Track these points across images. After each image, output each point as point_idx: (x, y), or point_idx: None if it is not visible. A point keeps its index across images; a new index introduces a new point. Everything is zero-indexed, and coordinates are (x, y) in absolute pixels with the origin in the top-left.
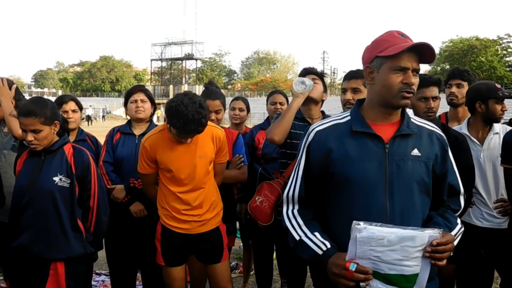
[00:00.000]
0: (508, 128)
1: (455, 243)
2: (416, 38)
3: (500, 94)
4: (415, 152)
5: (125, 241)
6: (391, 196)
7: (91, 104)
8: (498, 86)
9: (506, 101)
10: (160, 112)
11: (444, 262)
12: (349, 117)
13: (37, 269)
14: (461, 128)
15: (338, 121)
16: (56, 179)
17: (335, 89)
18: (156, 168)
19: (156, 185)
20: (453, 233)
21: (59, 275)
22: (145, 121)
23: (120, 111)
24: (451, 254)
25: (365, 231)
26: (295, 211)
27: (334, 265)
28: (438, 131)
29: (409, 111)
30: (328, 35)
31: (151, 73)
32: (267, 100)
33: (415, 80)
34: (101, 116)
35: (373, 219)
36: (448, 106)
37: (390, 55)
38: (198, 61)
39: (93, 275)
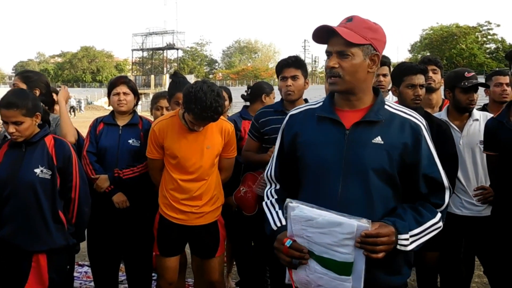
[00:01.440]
0: (489, 115)
1: (427, 237)
2: (396, 26)
3: (462, 84)
4: (378, 139)
5: (107, 232)
6: (344, 183)
7: (73, 95)
8: (468, 74)
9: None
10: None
11: (380, 255)
12: (321, 103)
13: (19, 262)
14: (441, 114)
15: (312, 106)
16: (37, 170)
17: (317, 77)
18: (163, 154)
19: (161, 172)
20: (422, 228)
21: (41, 267)
22: (128, 113)
23: (101, 102)
24: (411, 247)
25: (297, 209)
26: (273, 190)
27: (277, 240)
28: (415, 119)
29: (390, 97)
30: (309, 24)
31: (132, 63)
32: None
33: (342, 63)
34: (80, 107)
35: (324, 204)
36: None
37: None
38: (179, 50)
39: (76, 266)
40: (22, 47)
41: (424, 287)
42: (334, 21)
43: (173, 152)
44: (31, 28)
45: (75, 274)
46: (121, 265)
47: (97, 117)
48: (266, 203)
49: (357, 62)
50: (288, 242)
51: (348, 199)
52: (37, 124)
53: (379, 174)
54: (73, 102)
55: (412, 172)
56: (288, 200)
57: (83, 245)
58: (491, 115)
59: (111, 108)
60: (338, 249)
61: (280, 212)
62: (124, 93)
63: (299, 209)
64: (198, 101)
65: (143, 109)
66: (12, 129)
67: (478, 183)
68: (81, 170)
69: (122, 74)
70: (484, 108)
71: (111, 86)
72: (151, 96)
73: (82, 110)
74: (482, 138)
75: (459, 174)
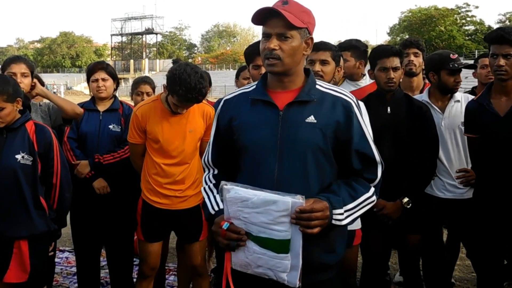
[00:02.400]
0: (470, 97)
1: (362, 211)
2: (375, 9)
3: (450, 66)
4: (311, 119)
5: (89, 218)
6: (280, 163)
7: (53, 81)
8: (454, 56)
9: (467, 71)
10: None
11: (315, 230)
12: (254, 86)
13: (0, 248)
14: (422, 96)
15: (245, 90)
16: (19, 156)
17: None
18: (145, 139)
19: (143, 157)
20: (357, 202)
21: (22, 253)
22: (108, 98)
23: (81, 87)
24: (342, 222)
25: (232, 191)
26: (211, 175)
27: (215, 223)
28: (346, 97)
29: (367, 80)
30: None
31: (112, 48)
32: (238, 76)
33: (282, 45)
34: (60, 92)
35: (262, 184)
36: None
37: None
38: (158, 35)
39: (57, 252)
40: (0, 34)
41: (406, 270)
42: (313, 5)
43: (156, 136)
44: (9, 14)
45: (56, 259)
46: (102, 250)
47: (78, 103)
48: (204, 188)
49: (295, 45)
50: (225, 225)
51: (285, 179)
52: (18, 110)
53: (314, 152)
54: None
55: (345, 149)
56: (223, 182)
57: (64, 230)
58: (472, 97)
59: (91, 93)
60: (274, 227)
61: (217, 196)
62: (103, 79)
63: (234, 190)
64: (182, 82)
65: (122, 94)
66: None
67: (460, 165)
68: (62, 156)
69: (101, 59)
70: (473, 91)
71: (90, 72)
72: (130, 81)
73: (62, 95)
74: (463, 120)
75: (442, 156)
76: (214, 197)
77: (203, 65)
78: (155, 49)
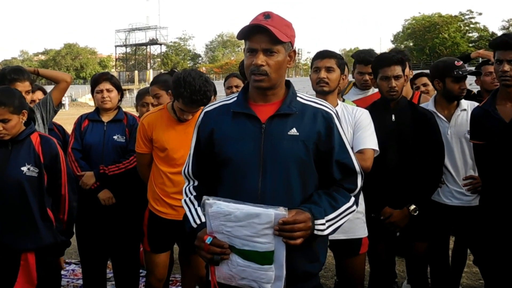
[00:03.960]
0: (476, 104)
1: (343, 221)
2: (378, 17)
3: (455, 73)
4: (293, 131)
5: (94, 229)
6: (264, 176)
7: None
8: (458, 63)
9: (471, 78)
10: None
11: (298, 241)
12: (235, 98)
13: (7, 261)
14: (428, 105)
15: (226, 102)
16: (24, 169)
17: (300, 69)
18: (151, 148)
19: (150, 167)
20: (338, 212)
21: (29, 265)
22: (112, 109)
23: (85, 98)
24: (329, 233)
25: (214, 206)
26: (191, 187)
27: (197, 238)
28: (326, 109)
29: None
30: (292, 16)
31: (116, 59)
32: (224, 85)
33: (268, 61)
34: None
35: (244, 197)
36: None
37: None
38: (162, 46)
39: (64, 264)
40: (5, 46)
41: (414, 277)
42: (316, 14)
43: (162, 144)
44: (14, 27)
45: (62, 272)
46: (108, 262)
47: (82, 114)
48: (185, 200)
49: (281, 59)
50: (208, 239)
51: (269, 192)
52: (23, 121)
53: (297, 164)
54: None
55: (326, 159)
56: (205, 197)
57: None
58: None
59: (95, 104)
60: (258, 239)
61: (199, 209)
62: (108, 90)
63: (216, 205)
64: (187, 85)
65: (127, 105)
66: None
67: (466, 173)
68: (67, 167)
69: (106, 70)
70: (478, 94)
71: (94, 83)
72: (135, 92)
73: (67, 107)
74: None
75: (448, 164)
76: (196, 210)
77: (208, 75)
78: (159, 59)
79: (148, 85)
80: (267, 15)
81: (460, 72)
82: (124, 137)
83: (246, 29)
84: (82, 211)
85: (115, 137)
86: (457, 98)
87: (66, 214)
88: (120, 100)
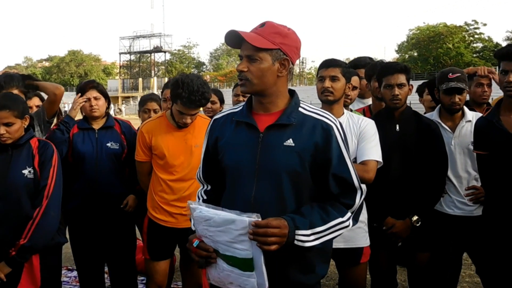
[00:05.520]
0: (480, 115)
1: (333, 236)
2: (383, 27)
3: (443, 86)
4: (289, 142)
5: (91, 236)
6: (257, 185)
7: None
8: (451, 76)
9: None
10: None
11: (272, 247)
12: (241, 107)
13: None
14: (433, 115)
15: (233, 111)
16: (25, 171)
17: (304, 78)
18: (151, 156)
19: (150, 176)
20: (327, 226)
21: (33, 267)
22: (101, 117)
23: None
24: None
25: (197, 210)
26: (203, 191)
27: (188, 240)
28: (327, 120)
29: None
30: (296, 25)
31: (120, 67)
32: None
33: (250, 67)
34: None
35: (239, 205)
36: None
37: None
38: (166, 53)
39: (66, 271)
40: (9, 52)
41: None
42: (320, 23)
43: (161, 151)
44: (18, 33)
45: (64, 278)
46: (107, 268)
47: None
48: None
49: (264, 66)
50: (195, 243)
51: (262, 200)
52: (25, 127)
53: (291, 176)
54: (67, 107)
55: (323, 172)
56: (188, 202)
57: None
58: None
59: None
60: (236, 245)
61: None
62: (95, 98)
63: (199, 209)
64: (185, 85)
65: (131, 112)
66: (3, 130)
67: (469, 183)
68: (58, 174)
69: (110, 77)
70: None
71: (81, 92)
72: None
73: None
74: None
75: (451, 174)
76: None
77: (212, 83)
78: (163, 67)
79: (151, 92)
80: (262, 24)
81: (449, 85)
82: (118, 144)
83: (226, 38)
84: (79, 218)
85: (108, 144)
86: (449, 111)
87: (39, 216)
88: (108, 108)
